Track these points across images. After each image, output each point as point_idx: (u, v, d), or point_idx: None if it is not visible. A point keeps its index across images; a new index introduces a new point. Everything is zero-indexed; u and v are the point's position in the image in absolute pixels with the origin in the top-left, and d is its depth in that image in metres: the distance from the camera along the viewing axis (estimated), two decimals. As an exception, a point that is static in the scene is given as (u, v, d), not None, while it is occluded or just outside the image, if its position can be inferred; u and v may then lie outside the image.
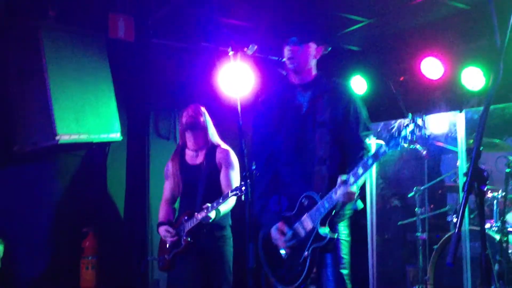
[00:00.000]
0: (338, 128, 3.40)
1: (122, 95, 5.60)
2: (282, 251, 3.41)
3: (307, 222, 3.29)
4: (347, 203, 3.25)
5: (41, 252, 5.34)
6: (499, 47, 2.13)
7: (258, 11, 3.82)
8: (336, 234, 3.26)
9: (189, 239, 4.33)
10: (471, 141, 5.01)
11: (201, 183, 4.46)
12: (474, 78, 5.39)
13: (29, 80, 5.01)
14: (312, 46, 3.50)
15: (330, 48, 5.82)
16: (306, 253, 3.24)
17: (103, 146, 5.73)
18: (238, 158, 4.52)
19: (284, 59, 3.54)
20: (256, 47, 3.82)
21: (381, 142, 3.00)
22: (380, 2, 5.42)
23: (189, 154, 4.60)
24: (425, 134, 2.82)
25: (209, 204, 4.23)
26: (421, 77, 5.85)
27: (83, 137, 5.07)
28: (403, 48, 6.13)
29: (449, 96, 5.83)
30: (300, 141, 3.47)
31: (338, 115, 3.41)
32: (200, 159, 4.54)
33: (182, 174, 4.55)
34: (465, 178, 2.11)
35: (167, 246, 4.46)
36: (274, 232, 3.42)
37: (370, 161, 3.03)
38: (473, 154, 2.12)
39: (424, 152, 5.41)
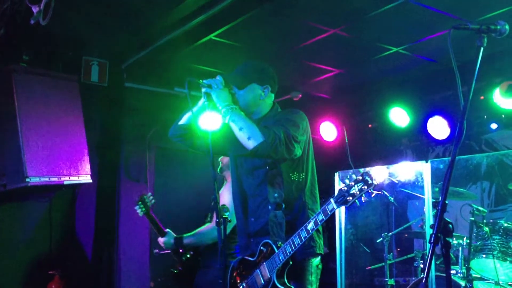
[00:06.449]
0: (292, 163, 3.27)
1: (94, 137, 5.61)
2: None
3: (265, 271, 3.18)
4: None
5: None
6: (462, 107, 2.24)
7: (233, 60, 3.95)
8: (293, 286, 3.12)
9: None
10: (437, 189, 5.13)
11: None
12: (439, 127, 5.57)
13: (1, 123, 5.00)
14: (255, 88, 3.35)
15: (300, 94, 5.87)
16: None
17: (73, 188, 5.69)
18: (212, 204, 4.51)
19: None
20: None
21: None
22: (350, 54, 5.60)
23: None
24: (372, 191, 2.81)
25: None
26: (389, 125, 6.02)
27: (53, 180, 5.05)
28: (372, 97, 6.31)
29: (416, 144, 6.00)
30: (252, 185, 3.39)
31: None
32: None
33: None
34: (431, 230, 2.19)
35: None
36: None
37: (320, 217, 2.96)
38: (439, 207, 2.21)
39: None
